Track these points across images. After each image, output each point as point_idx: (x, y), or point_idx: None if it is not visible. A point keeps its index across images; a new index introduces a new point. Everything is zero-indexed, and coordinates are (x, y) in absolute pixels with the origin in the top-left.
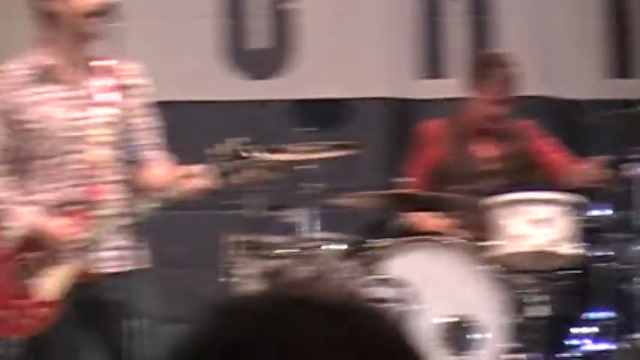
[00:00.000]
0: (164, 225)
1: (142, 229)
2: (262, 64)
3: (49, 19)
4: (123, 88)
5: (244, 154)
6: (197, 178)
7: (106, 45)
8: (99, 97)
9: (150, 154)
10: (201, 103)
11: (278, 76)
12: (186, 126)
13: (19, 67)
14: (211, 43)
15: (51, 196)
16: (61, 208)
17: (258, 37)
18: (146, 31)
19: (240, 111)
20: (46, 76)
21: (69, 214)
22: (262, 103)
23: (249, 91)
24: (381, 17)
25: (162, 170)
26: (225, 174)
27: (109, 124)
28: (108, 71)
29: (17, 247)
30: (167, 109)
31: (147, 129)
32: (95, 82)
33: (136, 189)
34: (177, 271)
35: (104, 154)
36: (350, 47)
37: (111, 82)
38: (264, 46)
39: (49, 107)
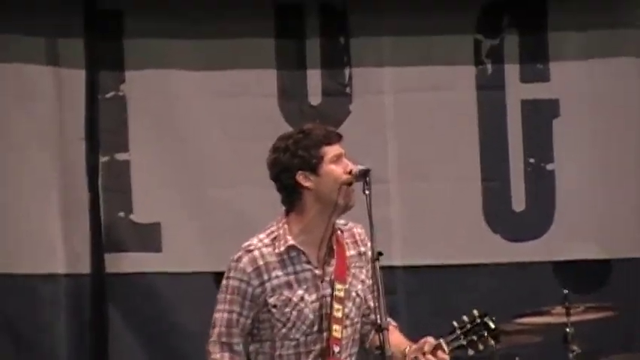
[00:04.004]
0: None
1: None
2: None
3: (300, 191)
4: (358, 255)
5: (486, 329)
6: (437, 351)
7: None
8: (337, 270)
9: (385, 322)
10: (462, 267)
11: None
12: (451, 290)
13: (266, 245)
14: (474, 206)
15: None
16: None
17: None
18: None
19: (500, 274)
20: (295, 256)
21: None
22: (522, 265)
23: (511, 253)
24: None
25: (400, 340)
26: (465, 348)
27: (346, 298)
28: (349, 241)
29: None
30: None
31: (379, 296)
32: (336, 256)
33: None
34: None
35: (341, 329)
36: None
37: (349, 251)
38: (523, 209)
39: (300, 291)
